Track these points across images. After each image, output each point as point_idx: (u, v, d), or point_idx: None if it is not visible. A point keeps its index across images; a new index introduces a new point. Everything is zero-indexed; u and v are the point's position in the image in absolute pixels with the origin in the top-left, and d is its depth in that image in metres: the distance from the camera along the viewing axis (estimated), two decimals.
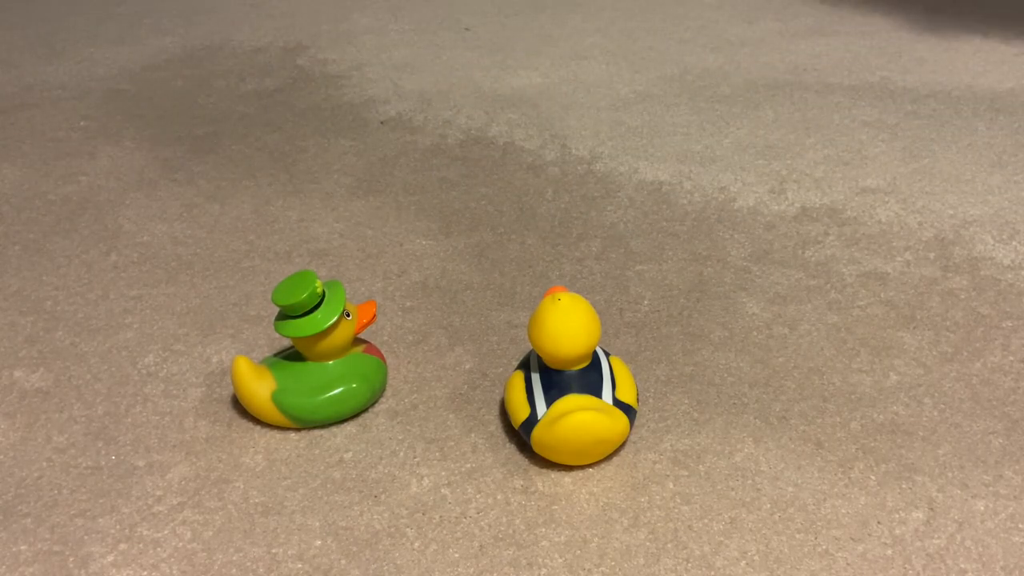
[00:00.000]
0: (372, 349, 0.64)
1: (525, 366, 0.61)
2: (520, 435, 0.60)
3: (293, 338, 0.60)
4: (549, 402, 0.57)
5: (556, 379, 0.58)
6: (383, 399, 0.65)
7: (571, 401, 0.57)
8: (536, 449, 0.58)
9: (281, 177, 0.95)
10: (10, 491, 0.58)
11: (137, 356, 0.70)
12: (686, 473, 0.58)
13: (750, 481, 0.58)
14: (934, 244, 0.81)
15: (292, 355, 0.63)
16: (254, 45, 1.30)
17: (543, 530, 0.55)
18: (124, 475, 0.59)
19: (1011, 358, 0.68)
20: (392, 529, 0.55)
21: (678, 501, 0.56)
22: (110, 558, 0.53)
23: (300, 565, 0.53)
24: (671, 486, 0.57)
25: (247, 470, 0.59)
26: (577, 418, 0.55)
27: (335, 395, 0.61)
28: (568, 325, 0.56)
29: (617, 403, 0.58)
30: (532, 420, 0.57)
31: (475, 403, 0.64)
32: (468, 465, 0.59)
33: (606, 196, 0.90)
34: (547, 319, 0.57)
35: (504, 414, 0.63)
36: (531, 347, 0.63)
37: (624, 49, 1.27)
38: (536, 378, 0.59)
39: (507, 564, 0.52)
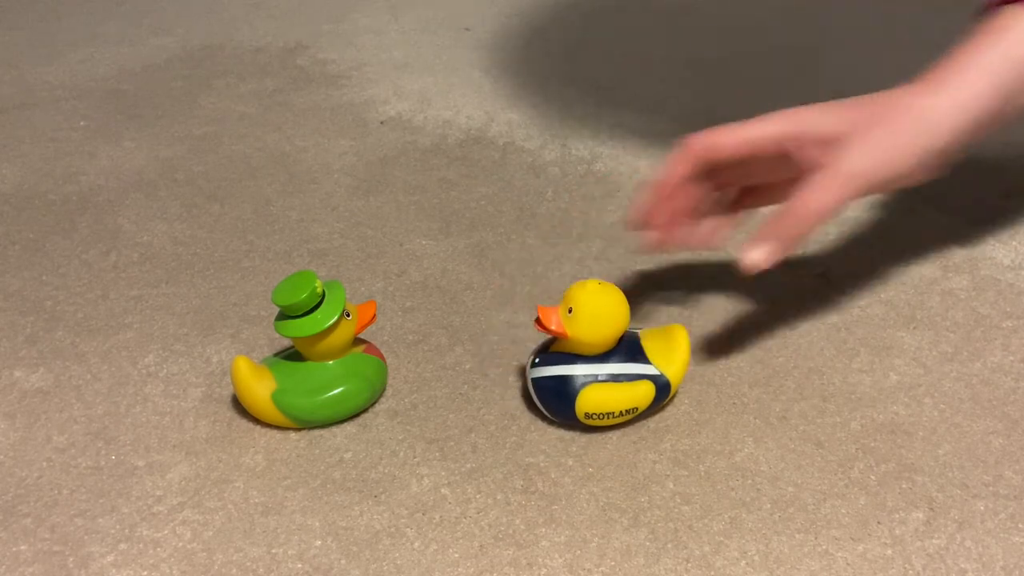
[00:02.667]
0: (372, 349, 0.64)
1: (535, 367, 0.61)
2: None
3: (293, 338, 0.60)
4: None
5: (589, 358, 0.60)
6: (383, 399, 0.65)
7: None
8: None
9: (281, 177, 0.95)
10: (10, 491, 0.58)
11: (137, 356, 0.70)
12: (686, 473, 0.58)
13: (750, 481, 0.58)
14: (934, 244, 0.81)
15: (292, 355, 0.63)
16: (254, 45, 1.30)
17: (543, 530, 0.55)
18: (124, 475, 0.59)
19: (1011, 358, 0.68)
20: (392, 529, 0.55)
21: (678, 501, 0.56)
22: (110, 558, 0.53)
23: (300, 565, 0.53)
24: (671, 486, 0.57)
25: (247, 470, 0.59)
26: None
27: (335, 395, 0.61)
28: (609, 307, 0.59)
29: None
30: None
31: (475, 403, 0.65)
32: (468, 465, 0.59)
33: (606, 196, 0.90)
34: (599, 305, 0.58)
35: (504, 414, 0.63)
36: (531, 358, 0.63)
37: (624, 49, 1.27)
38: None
39: (507, 564, 0.52)
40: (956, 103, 0.57)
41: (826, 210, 0.57)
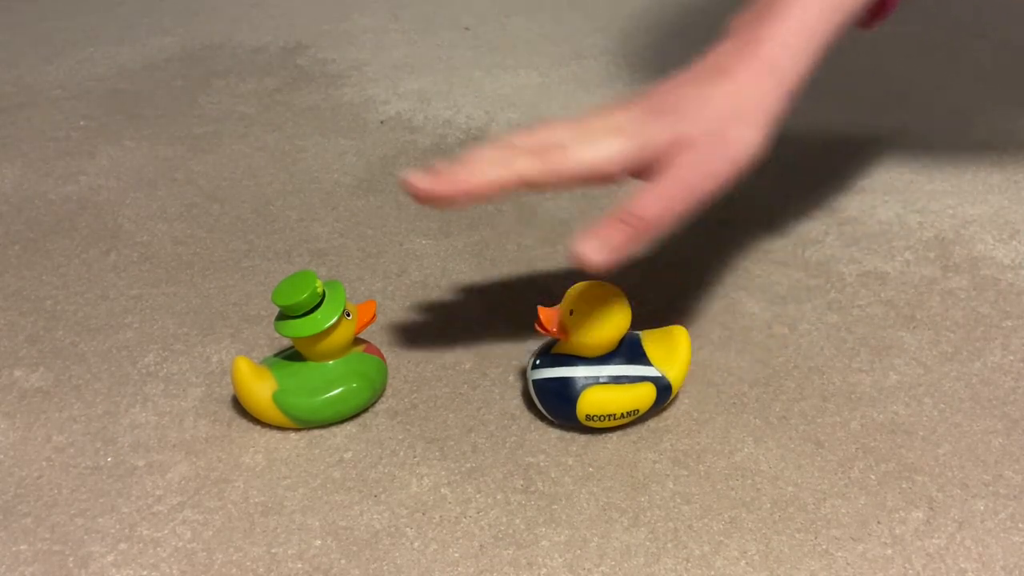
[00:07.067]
0: (372, 349, 0.64)
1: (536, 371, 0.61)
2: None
3: (293, 338, 0.60)
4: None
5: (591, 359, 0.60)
6: (383, 399, 0.65)
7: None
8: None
9: (281, 177, 0.95)
10: (10, 491, 0.58)
11: (137, 356, 0.70)
12: (686, 473, 0.58)
13: (750, 481, 0.58)
14: (934, 244, 0.81)
15: (292, 355, 0.63)
16: (254, 45, 1.30)
17: (543, 530, 0.55)
18: (124, 475, 0.59)
19: (1011, 358, 0.68)
20: (392, 529, 0.55)
21: (678, 501, 0.56)
22: (110, 558, 0.53)
23: (300, 565, 0.53)
24: (671, 486, 0.57)
25: (247, 470, 0.59)
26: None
27: (336, 395, 0.61)
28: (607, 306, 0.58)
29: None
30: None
31: (475, 403, 0.65)
32: (468, 465, 0.59)
33: (606, 195, 0.90)
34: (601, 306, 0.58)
35: (504, 414, 0.63)
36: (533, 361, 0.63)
37: (624, 49, 1.27)
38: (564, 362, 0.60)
39: (507, 564, 0.52)
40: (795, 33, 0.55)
41: (664, 221, 0.54)
